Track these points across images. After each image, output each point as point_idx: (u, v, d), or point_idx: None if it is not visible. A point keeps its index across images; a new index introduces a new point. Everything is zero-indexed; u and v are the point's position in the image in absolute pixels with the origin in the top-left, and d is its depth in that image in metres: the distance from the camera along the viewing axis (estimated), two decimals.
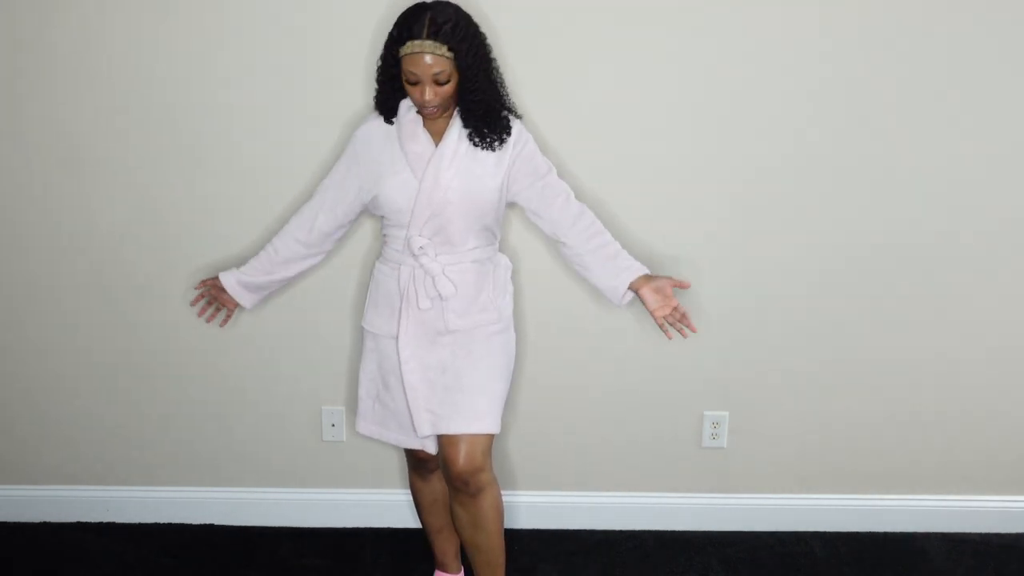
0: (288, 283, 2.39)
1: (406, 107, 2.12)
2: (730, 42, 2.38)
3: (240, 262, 2.37)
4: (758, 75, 2.40)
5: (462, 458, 2.12)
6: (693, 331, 2.22)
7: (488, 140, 2.10)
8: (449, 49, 1.96)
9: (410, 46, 1.95)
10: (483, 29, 2.09)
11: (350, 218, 2.24)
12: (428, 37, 1.94)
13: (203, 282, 2.39)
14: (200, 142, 2.47)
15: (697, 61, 2.40)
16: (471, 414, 2.13)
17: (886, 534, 2.74)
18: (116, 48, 2.40)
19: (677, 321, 2.20)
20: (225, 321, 2.43)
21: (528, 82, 2.39)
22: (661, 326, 2.20)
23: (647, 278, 2.20)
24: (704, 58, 2.39)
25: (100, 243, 2.56)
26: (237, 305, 2.35)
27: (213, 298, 2.38)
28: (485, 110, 2.07)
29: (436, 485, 2.37)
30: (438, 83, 1.98)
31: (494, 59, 2.11)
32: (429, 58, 1.95)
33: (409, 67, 1.97)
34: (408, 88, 2.02)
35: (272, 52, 2.39)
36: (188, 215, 2.53)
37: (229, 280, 2.32)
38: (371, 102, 2.20)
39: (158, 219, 2.53)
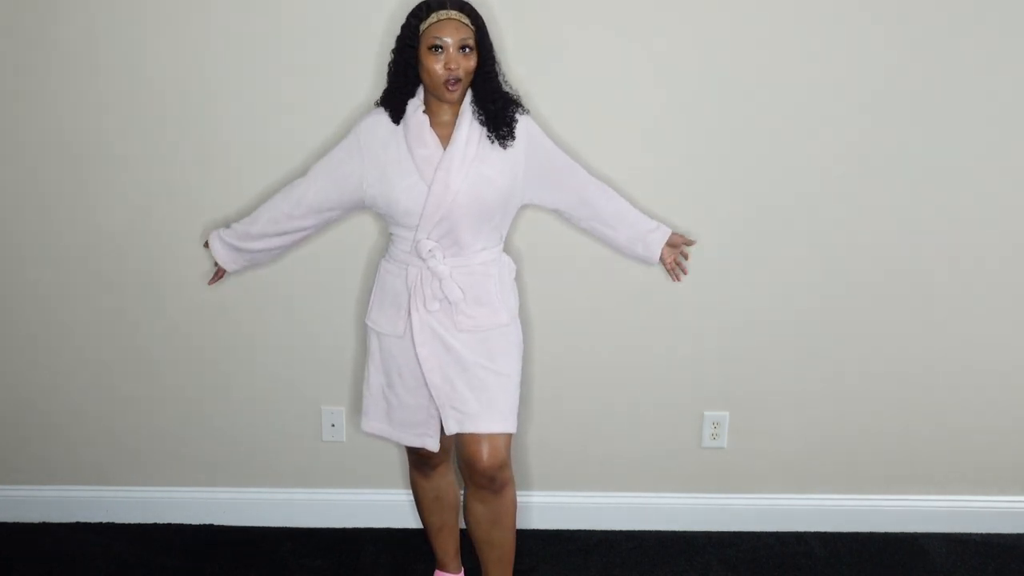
0: (265, 256, 2.34)
1: (413, 107, 2.12)
2: (740, 40, 2.39)
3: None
4: (770, 74, 2.40)
5: (487, 455, 2.13)
6: (684, 272, 2.46)
7: (503, 132, 2.12)
8: (472, 22, 2.04)
9: (436, 15, 2.02)
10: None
11: (337, 207, 2.21)
12: (452, 7, 2.03)
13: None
14: (203, 142, 2.47)
15: (707, 61, 2.40)
16: (497, 413, 2.14)
17: (886, 534, 2.74)
18: (118, 46, 2.40)
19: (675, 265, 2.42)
20: (212, 280, 2.41)
21: (532, 81, 2.40)
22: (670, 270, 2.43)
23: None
24: (715, 57, 2.40)
25: (100, 243, 2.56)
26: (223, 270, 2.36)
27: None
28: (504, 101, 2.11)
29: (438, 483, 2.37)
30: (462, 53, 2.02)
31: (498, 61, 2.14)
32: (456, 24, 2.02)
33: (435, 33, 2.01)
34: (430, 63, 2.02)
35: (277, 49, 2.39)
36: (190, 216, 2.53)
37: (214, 240, 2.34)
38: (374, 96, 2.20)
39: (159, 219, 2.53)
